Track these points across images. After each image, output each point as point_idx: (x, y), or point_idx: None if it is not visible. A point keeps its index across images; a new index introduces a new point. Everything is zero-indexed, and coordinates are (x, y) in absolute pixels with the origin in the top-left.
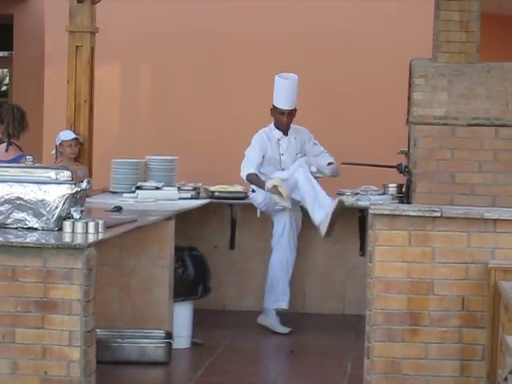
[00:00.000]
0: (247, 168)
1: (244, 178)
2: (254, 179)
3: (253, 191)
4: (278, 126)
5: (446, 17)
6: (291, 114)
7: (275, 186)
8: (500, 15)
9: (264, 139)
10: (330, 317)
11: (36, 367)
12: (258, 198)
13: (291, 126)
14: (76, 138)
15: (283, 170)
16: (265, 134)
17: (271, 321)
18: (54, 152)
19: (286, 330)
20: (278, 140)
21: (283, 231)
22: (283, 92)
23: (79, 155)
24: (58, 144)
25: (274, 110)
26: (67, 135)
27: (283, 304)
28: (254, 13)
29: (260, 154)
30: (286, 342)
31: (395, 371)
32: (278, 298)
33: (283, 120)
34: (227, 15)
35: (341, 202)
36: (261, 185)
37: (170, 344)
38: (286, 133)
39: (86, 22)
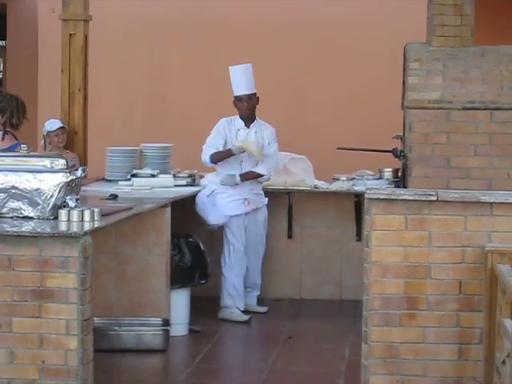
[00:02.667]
0: (207, 152)
1: (207, 161)
2: (216, 154)
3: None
4: (241, 117)
5: (440, 0)
6: (250, 98)
7: (241, 147)
8: None
9: (223, 127)
10: (327, 302)
11: (33, 356)
12: (213, 178)
13: (259, 120)
14: (62, 127)
15: (240, 162)
16: (226, 121)
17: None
18: (42, 142)
19: (246, 317)
20: (238, 130)
21: (236, 240)
22: (238, 79)
23: (73, 143)
24: (45, 134)
25: (235, 101)
26: (53, 125)
27: (241, 306)
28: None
29: (219, 140)
30: (284, 328)
31: (393, 356)
32: (237, 299)
33: (243, 105)
34: (221, 2)
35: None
36: (226, 153)
37: (167, 331)
38: (248, 124)
39: (79, 10)
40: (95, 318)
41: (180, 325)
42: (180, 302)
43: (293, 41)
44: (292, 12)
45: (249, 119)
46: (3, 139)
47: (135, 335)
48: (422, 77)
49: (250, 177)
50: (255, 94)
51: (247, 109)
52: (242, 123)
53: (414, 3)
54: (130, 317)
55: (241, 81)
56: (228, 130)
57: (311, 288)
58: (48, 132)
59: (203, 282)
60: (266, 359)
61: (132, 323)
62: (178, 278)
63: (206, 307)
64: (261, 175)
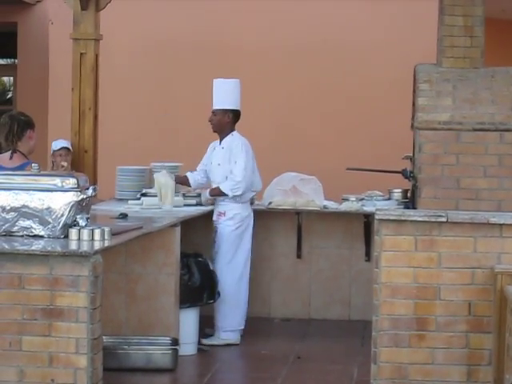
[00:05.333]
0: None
1: None
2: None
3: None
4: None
5: (451, 22)
6: (214, 114)
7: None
8: (504, 20)
9: (209, 147)
10: (336, 322)
11: (43, 375)
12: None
13: (234, 135)
14: (65, 148)
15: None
16: (213, 142)
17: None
18: (50, 162)
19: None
20: (214, 149)
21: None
22: (214, 93)
23: (83, 162)
24: (51, 153)
25: None
26: (57, 144)
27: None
28: (256, 22)
29: (203, 162)
30: (293, 348)
31: (402, 377)
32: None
33: (209, 119)
34: (230, 24)
35: None
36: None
37: (176, 351)
38: (220, 141)
39: (90, 29)
40: (104, 337)
41: (189, 344)
42: (189, 321)
43: (304, 62)
44: (303, 35)
45: (220, 135)
46: (11, 158)
47: (144, 354)
48: (431, 98)
49: (215, 193)
50: (222, 110)
51: (211, 124)
52: (217, 141)
53: (424, 24)
54: (139, 336)
55: (214, 95)
56: (211, 150)
57: (320, 308)
58: (53, 151)
59: (211, 301)
60: (274, 379)
61: (141, 342)
62: (187, 297)
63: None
64: (224, 193)
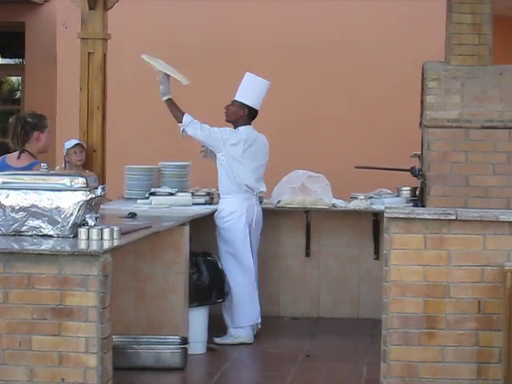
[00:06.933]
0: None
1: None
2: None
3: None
4: None
5: (459, 19)
6: (232, 104)
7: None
8: None
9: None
10: (345, 321)
11: (53, 374)
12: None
13: (240, 128)
14: (79, 144)
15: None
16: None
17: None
18: (63, 164)
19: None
20: None
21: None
22: (241, 84)
23: (92, 162)
24: (64, 154)
25: None
26: (70, 142)
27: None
28: (265, 22)
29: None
30: (302, 347)
31: (412, 375)
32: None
33: (225, 107)
34: (238, 24)
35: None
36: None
37: (185, 350)
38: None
39: (98, 29)
40: (114, 336)
41: (198, 343)
42: (198, 320)
43: (313, 61)
44: (312, 34)
45: (233, 126)
46: (19, 158)
47: (154, 353)
48: (440, 96)
49: (173, 106)
50: (241, 103)
51: (225, 112)
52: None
53: (432, 22)
54: (148, 335)
55: (240, 86)
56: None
57: (329, 306)
58: (67, 150)
59: (220, 300)
60: (283, 378)
61: (150, 341)
62: (196, 296)
63: (223, 326)
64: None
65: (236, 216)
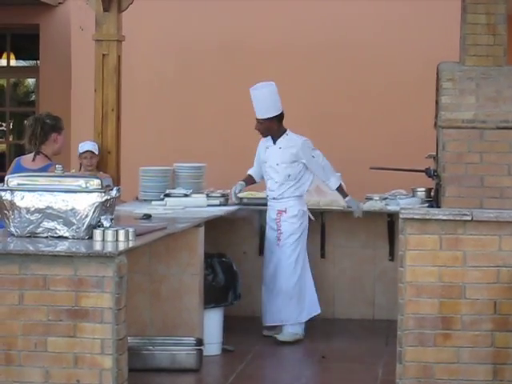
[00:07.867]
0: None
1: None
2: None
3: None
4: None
5: (473, 20)
6: (260, 123)
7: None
8: None
9: (260, 145)
10: (360, 322)
11: (68, 376)
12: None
13: (289, 135)
14: (89, 151)
15: (268, 178)
16: (262, 141)
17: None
18: (78, 166)
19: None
20: (267, 148)
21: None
22: (254, 102)
23: (106, 163)
24: (78, 155)
25: None
26: (83, 146)
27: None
28: (276, 22)
29: (256, 161)
30: (317, 348)
31: (427, 376)
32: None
33: (256, 128)
34: (252, 25)
35: None
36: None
37: (200, 351)
38: (275, 141)
39: (112, 31)
40: (129, 338)
41: (213, 344)
42: (213, 321)
43: (327, 62)
44: (326, 34)
45: (272, 138)
46: (34, 159)
47: (169, 355)
48: (455, 96)
49: (343, 191)
50: (267, 118)
51: (259, 131)
52: (270, 140)
53: (446, 23)
54: (163, 336)
55: (256, 105)
56: (262, 149)
57: (344, 307)
58: (79, 154)
59: (235, 301)
60: (299, 379)
61: (166, 343)
62: (211, 297)
63: (238, 327)
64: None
65: (307, 215)
